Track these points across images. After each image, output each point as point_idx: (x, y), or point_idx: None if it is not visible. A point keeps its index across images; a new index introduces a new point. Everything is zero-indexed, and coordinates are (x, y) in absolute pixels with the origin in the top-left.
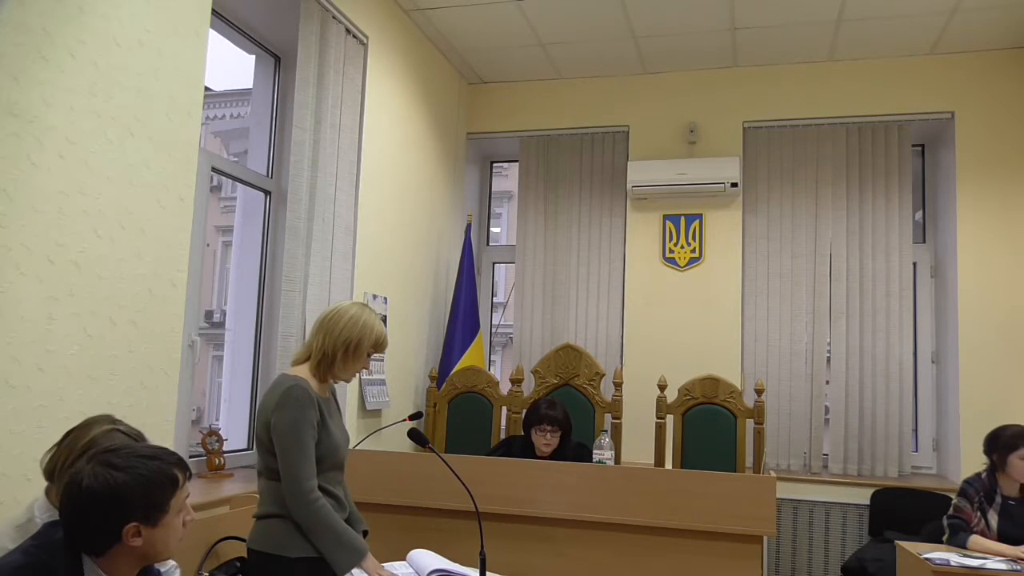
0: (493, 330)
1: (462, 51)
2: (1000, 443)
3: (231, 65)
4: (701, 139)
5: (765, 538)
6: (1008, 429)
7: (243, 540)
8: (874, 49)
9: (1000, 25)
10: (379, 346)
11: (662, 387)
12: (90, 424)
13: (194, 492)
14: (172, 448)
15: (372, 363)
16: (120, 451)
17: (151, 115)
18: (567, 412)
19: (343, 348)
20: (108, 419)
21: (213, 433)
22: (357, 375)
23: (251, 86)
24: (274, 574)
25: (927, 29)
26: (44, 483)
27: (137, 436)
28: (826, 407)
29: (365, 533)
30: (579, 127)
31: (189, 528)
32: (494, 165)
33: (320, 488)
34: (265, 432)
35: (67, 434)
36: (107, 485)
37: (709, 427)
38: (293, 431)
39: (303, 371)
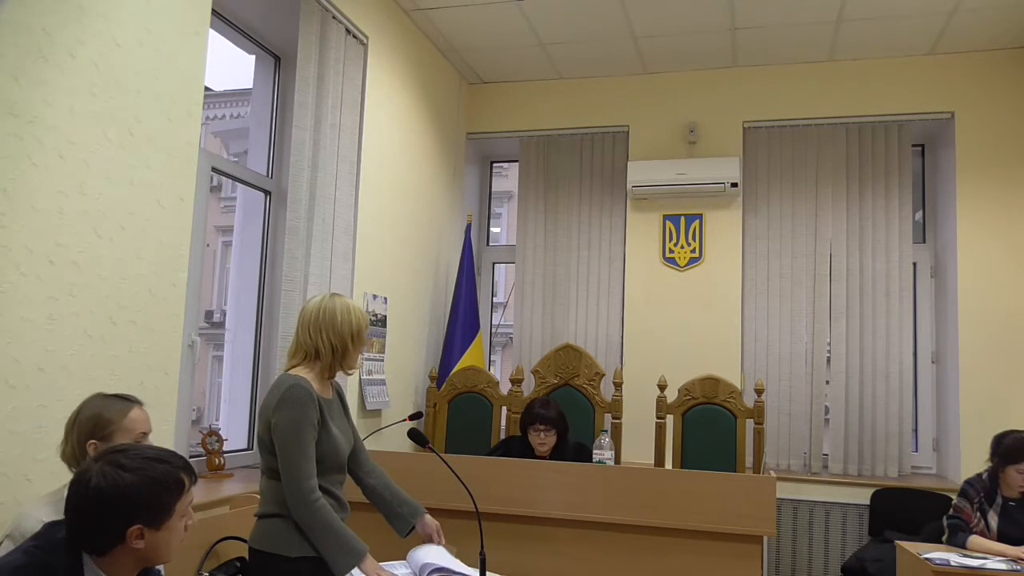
0: (493, 330)
1: (462, 51)
2: (1000, 450)
3: (231, 65)
4: (701, 139)
5: (765, 538)
6: (1008, 437)
7: (243, 540)
8: (874, 49)
9: (1000, 25)
10: (368, 324)
11: (662, 387)
12: None
13: (194, 492)
14: (172, 448)
15: (373, 363)
16: (128, 452)
17: (151, 115)
18: (561, 410)
19: (350, 338)
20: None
21: (213, 433)
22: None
23: (251, 86)
24: (275, 573)
25: (927, 29)
26: (44, 483)
27: (129, 397)
28: (826, 407)
29: (416, 511)
30: (579, 127)
31: (190, 532)
32: (494, 165)
33: (321, 488)
34: (267, 432)
35: None
36: (115, 485)
37: (709, 427)
38: (293, 431)
39: (304, 372)
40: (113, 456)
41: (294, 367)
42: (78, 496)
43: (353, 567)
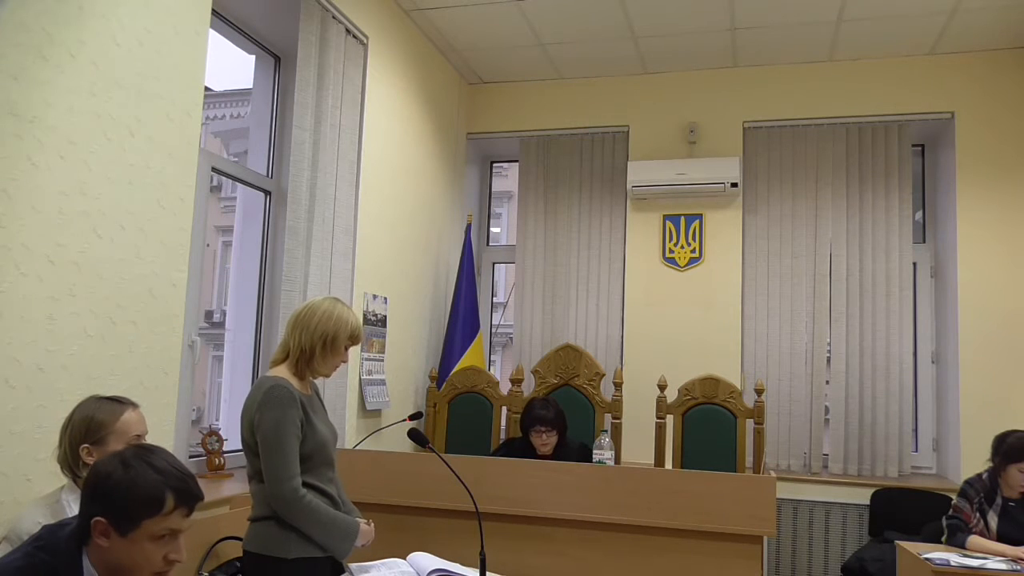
0: (493, 330)
1: (462, 51)
2: (1003, 448)
3: (231, 65)
4: (701, 139)
5: (765, 538)
6: (1011, 436)
7: (242, 540)
8: (874, 49)
9: (1000, 25)
10: (355, 338)
11: (662, 387)
12: None
13: (182, 524)
14: (171, 449)
15: (373, 363)
16: (144, 452)
17: (151, 115)
18: (561, 410)
19: (320, 343)
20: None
21: (213, 433)
22: (336, 370)
23: (251, 86)
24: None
25: (927, 29)
26: (44, 483)
27: (123, 399)
28: (826, 407)
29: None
30: (579, 127)
31: (172, 568)
32: (494, 165)
33: (312, 486)
34: (250, 435)
35: None
36: (102, 473)
37: (709, 427)
38: (275, 432)
39: (282, 371)
40: (132, 450)
41: (275, 364)
42: (86, 476)
43: (352, 547)
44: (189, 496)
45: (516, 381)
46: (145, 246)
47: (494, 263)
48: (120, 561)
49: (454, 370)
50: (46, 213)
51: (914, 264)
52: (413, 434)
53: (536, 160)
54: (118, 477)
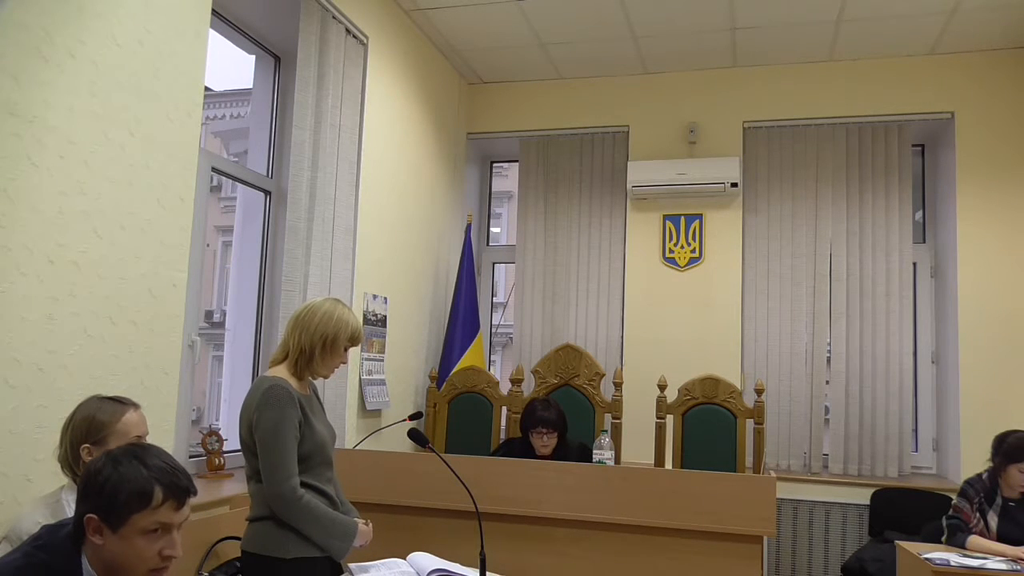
0: (493, 330)
1: (462, 51)
2: (1004, 448)
3: (231, 65)
4: (701, 139)
5: (765, 538)
6: (1011, 436)
7: (241, 540)
8: (874, 49)
9: (1000, 25)
10: (355, 339)
11: (662, 387)
12: None
13: (172, 518)
14: (171, 449)
15: (373, 363)
16: (137, 449)
17: (151, 115)
18: (562, 411)
19: (320, 344)
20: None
21: (213, 433)
22: (336, 371)
23: (251, 86)
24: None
25: (927, 29)
26: (44, 483)
27: (124, 399)
28: (826, 407)
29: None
30: (579, 127)
31: (170, 565)
32: (494, 165)
33: (310, 486)
34: (249, 434)
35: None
36: (92, 471)
37: (709, 427)
38: (274, 431)
39: (281, 371)
40: (125, 447)
41: (275, 364)
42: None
43: (350, 547)
44: (177, 489)
45: (516, 381)
46: (145, 246)
47: (494, 263)
48: (115, 558)
49: (454, 370)
50: (46, 213)
51: (914, 264)
52: (413, 434)
53: (536, 160)
54: (107, 473)
